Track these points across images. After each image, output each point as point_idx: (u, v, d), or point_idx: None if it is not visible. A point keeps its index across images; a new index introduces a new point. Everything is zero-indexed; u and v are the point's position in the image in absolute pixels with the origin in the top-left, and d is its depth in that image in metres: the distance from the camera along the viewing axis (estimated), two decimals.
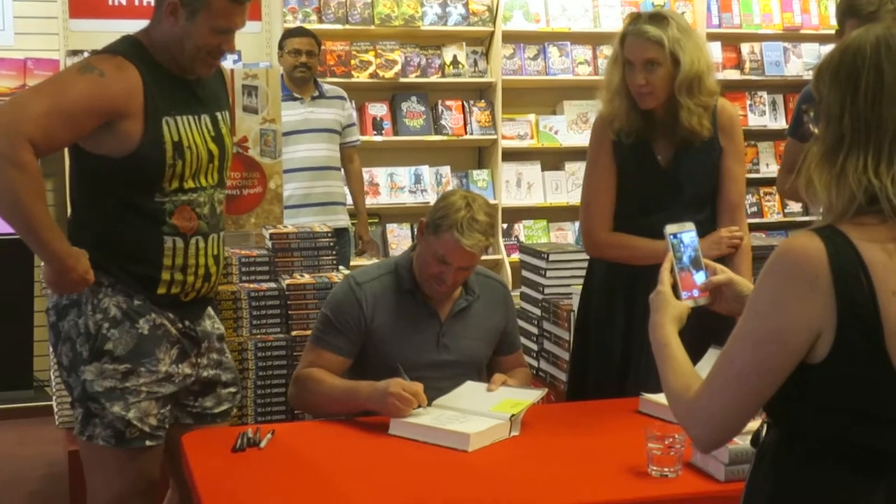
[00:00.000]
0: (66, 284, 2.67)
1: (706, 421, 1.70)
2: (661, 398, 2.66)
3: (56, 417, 3.87)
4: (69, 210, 2.91)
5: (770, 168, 6.95)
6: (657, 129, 3.13)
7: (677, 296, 1.97)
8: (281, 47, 5.48)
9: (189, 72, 2.75)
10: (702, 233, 2.37)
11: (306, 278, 3.58)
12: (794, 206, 6.96)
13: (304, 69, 5.38)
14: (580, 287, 3.40)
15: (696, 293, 2.02)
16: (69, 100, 2.57)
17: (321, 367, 2.97)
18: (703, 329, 2.35)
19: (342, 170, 5.57)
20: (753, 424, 1.77)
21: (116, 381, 2.71)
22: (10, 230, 2.65)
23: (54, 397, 3.95)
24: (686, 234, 2.06)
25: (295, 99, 5.34)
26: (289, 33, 5.50)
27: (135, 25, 2.82)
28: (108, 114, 2.61)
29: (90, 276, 2.67)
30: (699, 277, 2.03)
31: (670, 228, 2.06)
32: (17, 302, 5.53)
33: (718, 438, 1.73)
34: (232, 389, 2.99)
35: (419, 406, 2.74)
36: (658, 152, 3.15)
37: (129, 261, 2.72)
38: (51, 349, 3.02)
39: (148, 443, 2.75)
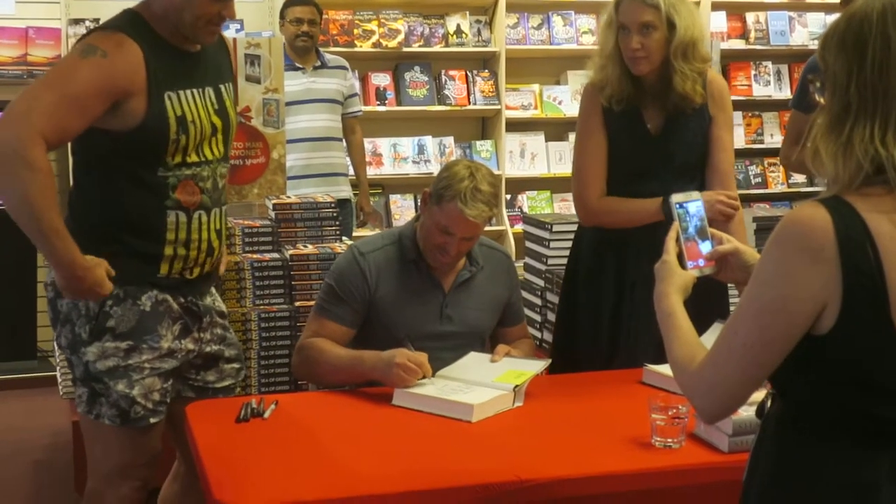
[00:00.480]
0: (74, 291, 2.62)
1: (710, 391, 1.70)
2: (664, 369, 2.66)
3: (60, 388, 3.88)
4: (71, 181, 2.89)
5: (775, 138, 6.92)
6: (647, 97, 3.14)
7: (683, 265, 1.97)
8: (282, 16, 5.44)
9: (191, 40, 2.73)
10: None
11: (310, 249, 3.58)
12: (799, 177, 6.94)
13: (305, 38, 5.34)
14: None
15: (701, 263, 2.02)
16: (76, 86, 2.53)
17: (325, 336, 2.97)
18: (707, 296, 2.35)
19: (344, 141, 5.56)
20: (758, 395, 1.77)
21: (119, 359, 2.70)
22: None
23: (58, 368, 3.96)
24: (692, 203, 2.06)
25: (296, 69, 5.30)
26: (290, 2, 5.44)
27: None
28: (117, 94, 2.58)
29: (103, 288, 2.61)
30: (705, 247, 2.03)
31: (676, 198, 2.06)
32: (19, 273, 5.53)
33: (722, 409, 1.73)
34: (235, 365, 2.98)
35: (423, 377, 2.74)
36: (648, 120, 3.16)
37: (132, 235, 2.70)
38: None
39: (152, 420, 2.75)
